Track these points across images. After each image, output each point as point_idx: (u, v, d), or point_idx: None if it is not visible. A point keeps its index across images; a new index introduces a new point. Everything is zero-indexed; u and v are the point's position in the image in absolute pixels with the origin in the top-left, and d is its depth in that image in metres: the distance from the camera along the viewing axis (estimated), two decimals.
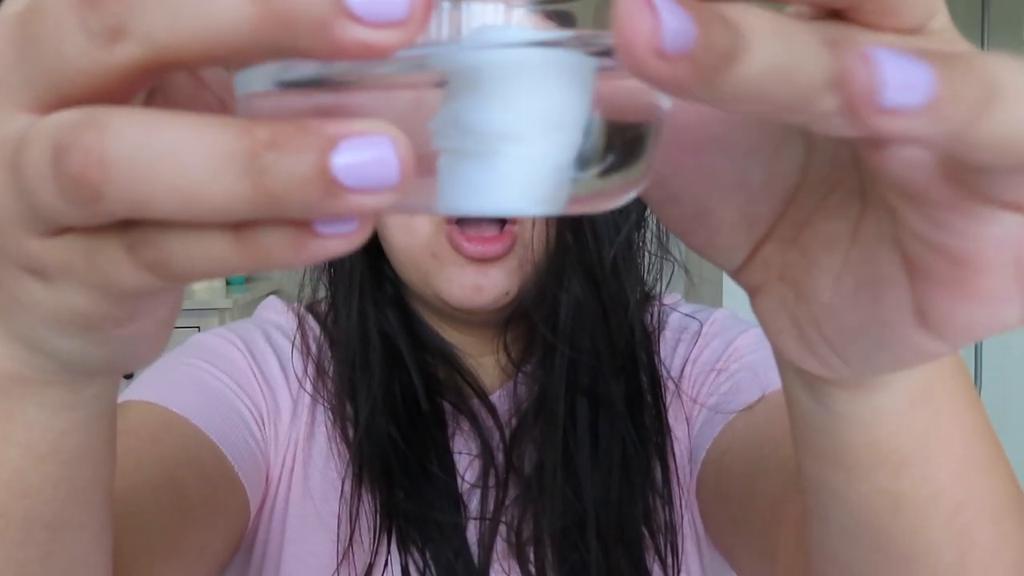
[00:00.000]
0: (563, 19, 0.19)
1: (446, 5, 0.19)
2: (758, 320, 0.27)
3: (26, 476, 0.26)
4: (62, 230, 0.19)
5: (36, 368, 0.24)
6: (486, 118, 0.19)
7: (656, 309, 0.66)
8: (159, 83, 0.22)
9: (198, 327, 1.44)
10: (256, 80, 0.20)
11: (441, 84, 0.19)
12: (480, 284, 0.57)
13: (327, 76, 0.19)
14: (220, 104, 0.23)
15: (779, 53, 0.16)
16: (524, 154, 0.19)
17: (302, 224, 0.18)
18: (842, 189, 0.24)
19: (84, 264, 0.19)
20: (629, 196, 0.22)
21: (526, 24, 0.19)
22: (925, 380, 0.28)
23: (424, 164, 0.19)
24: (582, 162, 0.20)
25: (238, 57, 0.17)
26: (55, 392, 0.25)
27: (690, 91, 0.16)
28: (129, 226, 0.19)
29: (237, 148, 0.16)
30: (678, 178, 0.26)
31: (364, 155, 0.16)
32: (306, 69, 0.19)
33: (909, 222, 0.21)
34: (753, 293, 0.27)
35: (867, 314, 0.23)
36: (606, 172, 0.21)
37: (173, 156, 0.17)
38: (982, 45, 1.63)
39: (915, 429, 0.28)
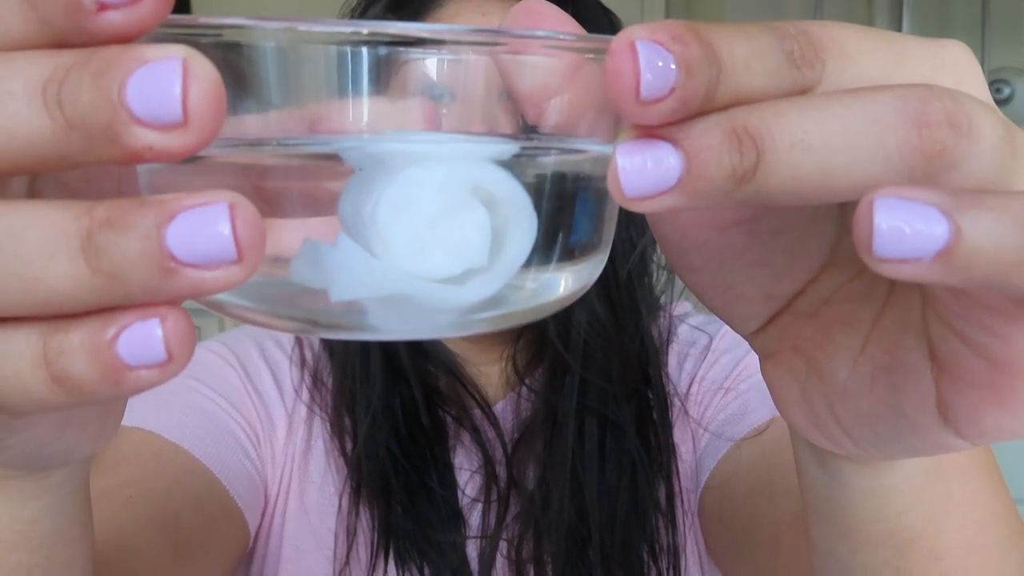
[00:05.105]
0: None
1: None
2: (767, 386, 0.26)
3: None
4: None
5: None
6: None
7: (665, 320, 0.66)
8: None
9: (198, 327, 1.43)
10: None
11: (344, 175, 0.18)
12: None
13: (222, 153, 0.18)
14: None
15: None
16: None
17: (111, 358, 0.16)
18: (871, 271, 0.23)
19: None
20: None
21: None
22: (938, 458, 0.27)
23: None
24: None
25: (44, 168, 0.16)
26: (15, 483, 0.25)
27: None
28: None
29: (72, 229, 0.16)
30: (699, 252, 0.24)
31: (198, 226, 0.15)
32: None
33: (950, 319, 0.20)
34: (764, 358, 0.26)
35: (883, 401, 0.22)
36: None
37: (12, 242, 0.16)
38: (982, 45, 1.62)
39: (925, 507, 0.27)
